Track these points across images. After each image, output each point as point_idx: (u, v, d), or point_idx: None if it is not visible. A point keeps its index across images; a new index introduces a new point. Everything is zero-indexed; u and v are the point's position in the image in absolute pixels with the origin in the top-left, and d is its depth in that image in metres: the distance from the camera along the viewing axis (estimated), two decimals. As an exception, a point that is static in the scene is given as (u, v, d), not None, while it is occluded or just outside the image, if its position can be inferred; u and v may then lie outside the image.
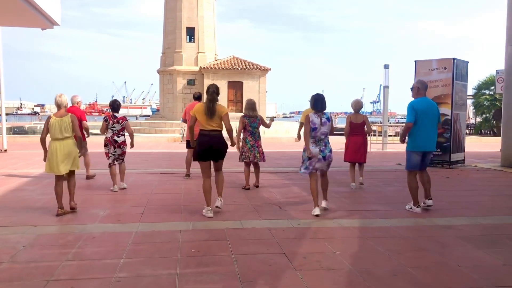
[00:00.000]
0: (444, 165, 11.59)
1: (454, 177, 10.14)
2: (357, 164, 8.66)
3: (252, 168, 8.37)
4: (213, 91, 6.04)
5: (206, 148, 6.07)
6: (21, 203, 6.66)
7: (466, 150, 12.58)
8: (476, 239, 5.16)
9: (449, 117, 11.38)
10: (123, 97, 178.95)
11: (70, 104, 9.38)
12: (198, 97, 9.39)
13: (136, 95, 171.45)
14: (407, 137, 6.56)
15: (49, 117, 6.14)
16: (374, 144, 17.62)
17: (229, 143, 6.44)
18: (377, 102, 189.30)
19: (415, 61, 12.12)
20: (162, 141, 21.99)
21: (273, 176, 9.83)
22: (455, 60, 11.38)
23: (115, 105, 8.00)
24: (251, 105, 8.13)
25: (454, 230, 5.54)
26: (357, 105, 8.54)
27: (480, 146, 19.92)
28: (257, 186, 8.30)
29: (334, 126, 6.62)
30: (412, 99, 6.61)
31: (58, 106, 6.14)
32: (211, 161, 6.22)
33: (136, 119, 56.24)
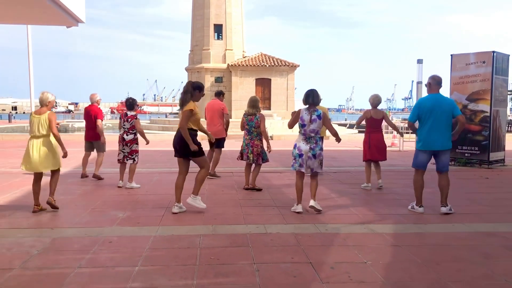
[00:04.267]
0: (482, 165, 10.94)
1: (494, 177, 9.51)
2: (372, 165, 8.15)
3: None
4: (193, 85, 6.00)
5: (173, 145, 6.10)
6: (42, 204, 6.51)
7: (508, 149, 11.89)
8: (524, 249, 4.68)
9: (488, 114, 10.73)
10: (154, 95, 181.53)
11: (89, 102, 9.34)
12: (217, 93, 9.21)
13: (166, 93, 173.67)
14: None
15: (31, 114, 6.17)
16: (406, 142, 16.94)
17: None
18: (409, 98, 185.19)
19: (451, 55, 11.49)
20: (190, 139, 21.86)
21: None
22: (494, 54, 10.71)
23: (127, 103, 8.09)
24: (251, 102, 7.77)
25: (498, 238, 5.05)
26: (375, 100, 8.06)
27: (519, 144, 18.91)
28: (249, 188, 7.76)
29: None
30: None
31: (40, 103, 6.11)
32: (188, 159, 6.18)
33: (166, 116, 56.66)
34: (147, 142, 8.18)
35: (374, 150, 7.95)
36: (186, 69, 34.03)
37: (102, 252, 4.47)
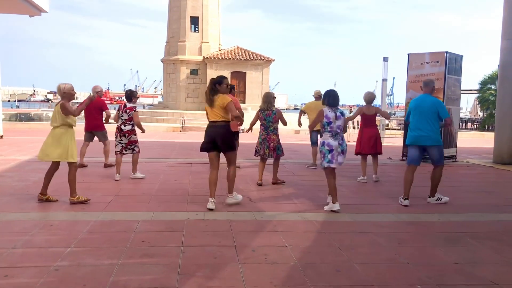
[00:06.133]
0: (434, 160, 11.40)
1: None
2: (370, 158, 8.63)
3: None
4: (212, 81, 6.03)
5: (210, 139, 6.04)
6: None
7: (465, 146, 12.43)
8: (438, 236, 5.08)
9: (441, 112, 11.19)
10: (135, 85, 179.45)
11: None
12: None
13: (148, 84, 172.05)
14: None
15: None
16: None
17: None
18: (390, 95, 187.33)
19: (408, 54, 11.93)
20: (161, 131, 22.01)
21: (256, 168, 9.75)
22: (447, 54, 11.17)
23: (126, 94, 8.16)
24: (266, 98, 7.89)
25: (418, 226, 5.46)
26: (367, 97, 8.55)
27: (481, 142, 19.63)
28: (273, 183, 7.93)
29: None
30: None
31: (58, 95, 6.12)
32: (219, 153, 6.17)
33: (144, 108, 56.37)
34: (143, 131, 8.25)
35: (365, 144, 8.45)
36: (162, 61, 34.04)
37: (40, 235, 4.70)
